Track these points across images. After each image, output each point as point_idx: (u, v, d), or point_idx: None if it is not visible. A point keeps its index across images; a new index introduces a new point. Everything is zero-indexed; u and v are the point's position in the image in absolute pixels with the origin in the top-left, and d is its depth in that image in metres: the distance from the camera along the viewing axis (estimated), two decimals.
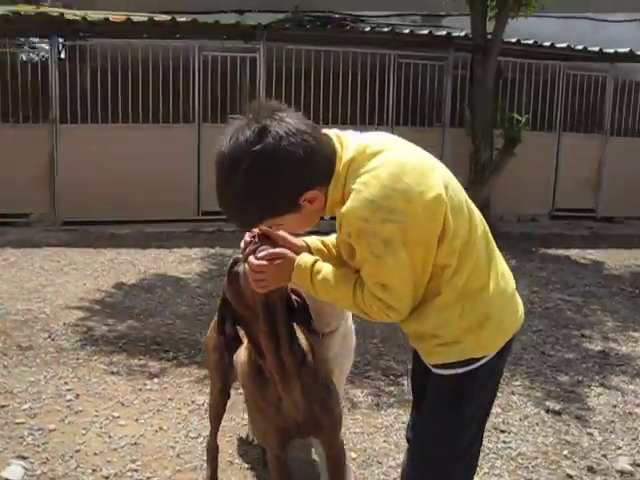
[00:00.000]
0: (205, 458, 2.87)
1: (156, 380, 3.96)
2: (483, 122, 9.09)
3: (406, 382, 3.93)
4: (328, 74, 9.25)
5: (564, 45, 9.59)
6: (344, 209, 1.70)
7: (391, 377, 4.13)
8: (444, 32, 9.53)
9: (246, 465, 3.08)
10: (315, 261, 1.85)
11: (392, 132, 8.14)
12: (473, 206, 1.90)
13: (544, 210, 10.30)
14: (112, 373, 4.02)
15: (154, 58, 8.53)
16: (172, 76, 8.73)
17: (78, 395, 3.68)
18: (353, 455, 3.17)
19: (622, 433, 3.62)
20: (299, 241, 1.98)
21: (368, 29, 9.35)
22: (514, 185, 9.40)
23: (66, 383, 3.83)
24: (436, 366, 1.90)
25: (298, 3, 10.57)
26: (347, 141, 1.79)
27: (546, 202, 10.30)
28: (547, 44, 9.60)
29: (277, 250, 1.85)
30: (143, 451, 3.13)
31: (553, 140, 10.16)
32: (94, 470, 2.93)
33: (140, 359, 4.27)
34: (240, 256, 1.95)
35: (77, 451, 3.09)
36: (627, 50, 9.71)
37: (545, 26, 10.20)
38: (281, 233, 1.92)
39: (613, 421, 3.75)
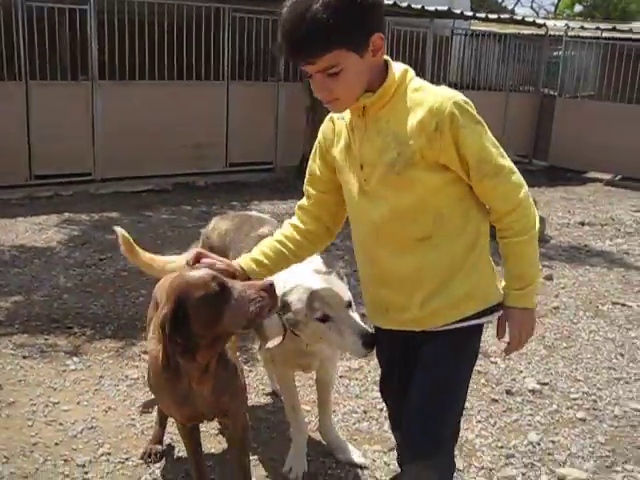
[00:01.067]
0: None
1: (75, 359, 3.77)
2: None
3: None
4: (162, 28, 8.93)
5: (391, 2, 9.99)
6: (445, 105, 1.72)
7: None
8: None
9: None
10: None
11: (228, 87, 8.35)
12: None
13: None
14: (24, 357, 3.76)
15: None
16: None
17: (1, 386, 3.41)
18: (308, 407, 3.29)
19: (518, 358, 4.08)
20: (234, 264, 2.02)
21: None
22: None
23: None
24: (460, 320, 1.90)
25: None
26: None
27: None
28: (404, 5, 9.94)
29: None
30: (105, 434, 3.01)
31: None
32: (66, 461, 2.78)
33: (46, 339, 4.02)
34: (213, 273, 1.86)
35: (34, 444, 2.90)
36: (446, 8, 10.34)
37: None
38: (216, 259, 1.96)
39: None
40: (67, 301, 4.66)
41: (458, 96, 1.76)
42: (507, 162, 1.80)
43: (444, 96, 1.76)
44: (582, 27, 12.61)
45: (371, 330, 2.19)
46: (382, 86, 1.78)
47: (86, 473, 2.72)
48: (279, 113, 10.11)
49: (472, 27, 13.26)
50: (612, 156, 11.27)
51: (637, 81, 11.43)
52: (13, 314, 4.37)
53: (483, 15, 12.31)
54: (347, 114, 1.91)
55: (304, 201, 2.11)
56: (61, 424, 3.08)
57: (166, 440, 2.94)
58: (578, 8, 32.96)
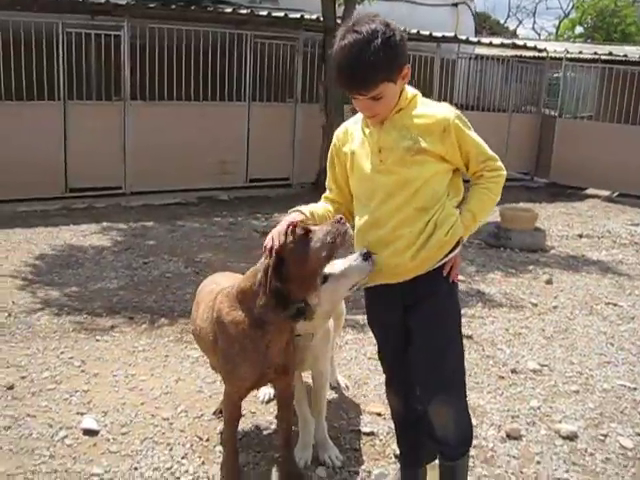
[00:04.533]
0: None
1: (142, 342, 4.40)
2: (335, 98, 9.98)
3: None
4: (190, 52, 9.63)
5: (402, 28, 10.68)
6: (450, 115, 2.40)
7: None
8: (298, 15, 10.23)
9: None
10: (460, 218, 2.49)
11: (249, 108, 9.17)
12: None
13: None
14: (97, 340, 4.39)
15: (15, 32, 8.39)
16: (35, 52, 8.66)
17: (84, 361, 4.05)
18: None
19: (521, 346, 4.73)
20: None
21: (229, 10, 9.80)
22: None
23: (62, 353, 4.16)
24: (443, 257, 2.46)
25: None
26: None
27: None
28: None
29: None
30: (180, 397, 3.64)
31: None
32: (153, 415, 3.42)
33: (112, 326, 4.65)
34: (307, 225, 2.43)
35: (123, 404, 3.53)
36: (452, 34, 11.04)
37: (395, 10, 11.27)
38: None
39: (510, 340, 4.82)
40: (123, 297, 5.28)
41: (455, 111, 2.47)
42: (491, 151, 2.50)
43: (447, 109, 2.46)
44: (580, 52, 13.28)
45: (365, 249, 2.53)
46: (401, 101, 2.44)
47: (171, 424, 3.35)
48: (296, 132, 10.78)
49: (477, 50, 13.96)
50: (610, 174, 11.94)
51: (633, 103, 12.10)
52: (79, 306, 5.01)
53: (487, 41, 13.00)
54: (360, 120, 2.57)
55: (327, 193, 2.72)
56: (141, 389, 3.71)
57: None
58: (579, 30, 33.75)
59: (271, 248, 2.43)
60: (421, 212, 2.43)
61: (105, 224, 7.84)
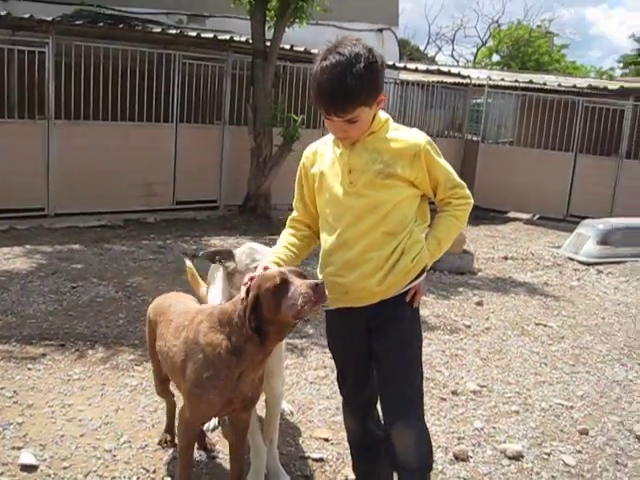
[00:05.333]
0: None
1: (76, 370, 4.23)
2: (264, 121, 9.99)
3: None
4: (117, 71, 9.46)
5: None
6: (421, 141, 2.44)
7: None
8: (227, 36, 10.21)
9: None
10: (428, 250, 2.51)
11: (176, 129, 9.14)
12: None
13: None
14: (29, 369, 4.19)
15: None
16: None
17: (16, 391, 3.85)
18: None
19: (459, 368, 4.80)
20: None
21: (158, 29, 9.69)
22: (290, 177, 10.38)
23: None
24: (409, 283, 2.49)
25: None
26: None
27: None
28: (315, 51, 10.72)
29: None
30: (121, 427, 3.51)
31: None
32: (94, 447, 3.28)
33: (43, 354, 4.45)
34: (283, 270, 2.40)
35: (62, 436, 3.37)
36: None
37: (321, 34, 11.34)
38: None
39: (448, 361, 4.89)
40: (53, 323, 5.08)
41: (427, 137, 2.50)
42: (459, 179, 2.55)
43: (419, 135, 2.49)
44: (502, 79, 13.77)
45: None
46: (373, 124, 2.45)
47: (114, 456, 3.22)
48: (224, 154, 10.70)
49: (400, 76, 14.24)
50: (530, 197, 12.39)
51: (551, 129, 12.60)
52: (7, 332, 4.78)
53: (413, 67, 13.31)
54: (329, 141, 2.58)
55: (294, 215, 2.70)
56: (80, 420, 3.56)
57: None
58: (496, 57, 35.04)
59: (248, 288, 2.38)
60: (389, 236, 2.43)
61: (29, 247, 7.55)
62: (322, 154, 2.57)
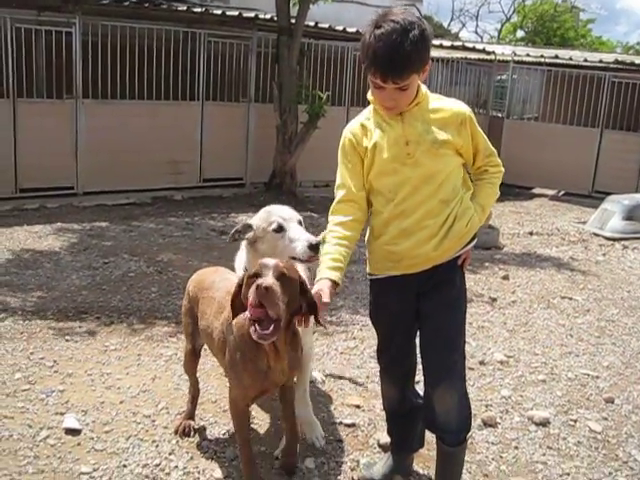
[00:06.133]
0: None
1: (113, 341, 4.36)
2: (289, 98, 10.03)
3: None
4: (142, 50, 9.53)
5: (354, 30, 10.82)
6: (465, 109, 2.53)
7: None
8: (252, 14, 10.23)
9: None
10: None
11: (202, 107, 9.19)
12: None
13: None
14: (67, 340, 4.33)
15: None
16: None
17: (56, 361, 3.99)
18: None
19: (486, 339, 4.87)
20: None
21: (183, 8, 9.73)
22: (316, 155, 10.41)
23: (32, 353, 4.08)
24: (462, 248, 2.57)
25: None
26: None
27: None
28: (340, 28, 10.74)
29: None
30: (158, 395, 3.62)
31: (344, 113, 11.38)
32: (134, 413, 3.40)
33: (80, 326, 4.59)
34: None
35: (102, 403, 3.50)
36: None
37: (345, 11, 11.36)
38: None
39: (475, 333, 4.96)
40: (87, 297, 5.22)
41: (467, 106, 2.58)
42: (492, 147, 2.63)
43: (460, 104, 2.57)
44: (527, 54, 13.65)
45: (316, 239, 2.84)
46: (418, 95, 2.49)
47: (154, 422, 3.34)
48: (249, 132, 10.77)
49: None
50: (556, 173, 12.32)
51: (577, 105, 12.49)
52: (43, 306, 4.92)
53: (438, 43, 13.24)
54: (372, 116, 2.58)
55: (341, 196, 2.60)
56: (119, 388, 3.68)
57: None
58: (520, 33, 34.59)
59: None
60: (444, 204, 2.50)
61: (59, 224, 7.71)
62: (370, 128, 2.56)
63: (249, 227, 3.03)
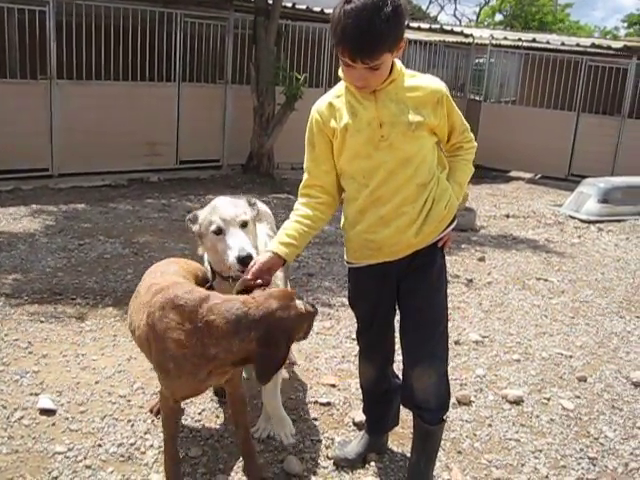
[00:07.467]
0: None
1: (88, 322, 4.34)
2: (266, 80, 9.97)
3: None
4: (118, 30, 9.42)
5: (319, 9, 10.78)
6: (442, 87, 2.43)
7: None
8: None
9: None
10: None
11: (179, 88, 9.07)
12: None
13: None
14: (41, 322, 4.30)
15: None
16: None
17: (30, 342, 3.96)
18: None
19: (461, 319, 4.91)
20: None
21: None
22: (293, 136, 10.36)
23: (6, 335, 4.04)
24: (443, 230, 2.51)
25: None
26: None
27: None
28: (317, 9, 10.68)
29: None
30: (133, 375, 3.62)
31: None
32: (109, 393, 3.39)
33: (55, 307, 4.55)
34: None
35: (77, 383, 3.48)
36: None
37: None
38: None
39: (451, 313, 4.92)
40: (63, 278, 5.17)
41: (442, 82, 2.49)
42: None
43: (436, 81, 2.46)
44: (505, 38, 13.67)
45: (250, 252, 2.57)
46: (393, 72, 2.36)
47: (129, 401, 3.34)
48: (227, 114, 10.69)
49: None
50: (532, 157, 12.40)
51: (554, 88, 12.56)
52: (18, 289, 4.87)
53: (416, 25, 13.21)
54: (342, 94, 2.43)
55: (306, 180, 2.53)
56: (94, 369, 3.67)
57: None
58: (499, 17, 34.64)
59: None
60: (421, 188, 2.43)
61: (34, 206, 7.62)
62: (338, 108, 2.43)
63: (196, 219, 2.80)
